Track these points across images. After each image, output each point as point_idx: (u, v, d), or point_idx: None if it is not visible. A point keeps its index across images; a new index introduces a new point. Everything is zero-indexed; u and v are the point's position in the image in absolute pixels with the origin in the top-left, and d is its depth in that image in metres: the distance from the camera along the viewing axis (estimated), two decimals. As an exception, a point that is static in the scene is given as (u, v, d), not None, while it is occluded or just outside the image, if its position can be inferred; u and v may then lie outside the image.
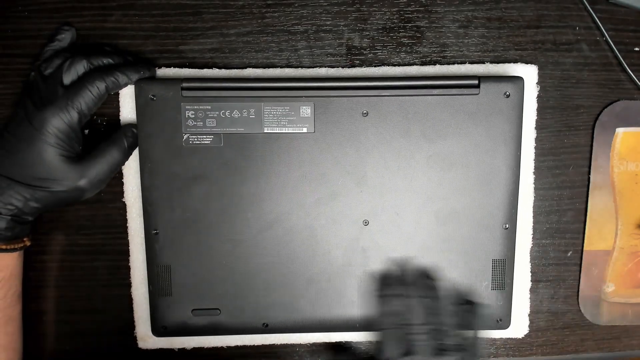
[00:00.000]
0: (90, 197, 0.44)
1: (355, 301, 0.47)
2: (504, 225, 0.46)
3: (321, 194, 0.45)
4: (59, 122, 0.40)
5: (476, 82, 0.44)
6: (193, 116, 0.44)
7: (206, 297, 0.46)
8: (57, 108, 0.40)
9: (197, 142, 0.44)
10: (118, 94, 0.46)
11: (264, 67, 0.47)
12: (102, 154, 0.43)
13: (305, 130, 0.44)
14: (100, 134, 0.47)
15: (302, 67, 0.48)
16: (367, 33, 0.48)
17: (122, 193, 0.48)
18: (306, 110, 0.44)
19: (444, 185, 0.45)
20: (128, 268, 0.49)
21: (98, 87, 0.41)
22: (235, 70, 0.47)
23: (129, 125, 0.45)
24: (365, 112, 0.44)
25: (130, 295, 0.49)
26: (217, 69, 0.47)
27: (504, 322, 0.47)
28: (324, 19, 0.47)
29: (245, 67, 0.47)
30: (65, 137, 0.41)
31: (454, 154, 0.45)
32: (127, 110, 0.46)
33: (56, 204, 0.43)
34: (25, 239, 0.44)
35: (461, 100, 0.44)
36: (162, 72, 0.47)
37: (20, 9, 0.47)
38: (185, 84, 0.44)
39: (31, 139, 0.40)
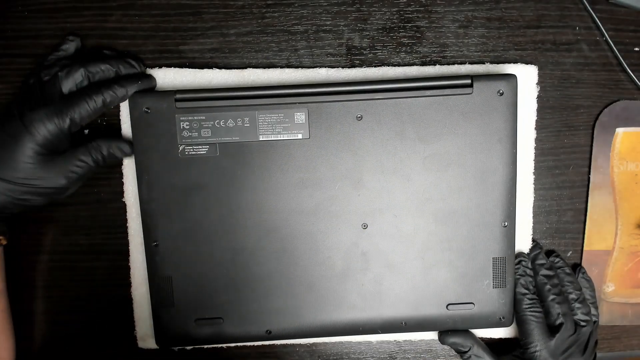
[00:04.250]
0: (70, 193, 0.44)
1: (357, 305, 0.47)
2: (503, 223, 0.46)
3: (319, 199, 0.45)
4: (49, 124, 0.41)
5: (469, 81, 0.44)
6: (188, 127, 0.44)
7: (209, 307, 0.46)
8: (51, 111, 0.41)
9: (193, 152, 0.44)
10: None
11: (264, 67, 0.47)
12: (79, 157, 0.43)
13: (300, 136, 0.44)
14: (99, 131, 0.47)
15: (302, 67, 0.48)
16: (367, 33, 0.48)
17: (122, 193, 0.48)
18: (300, 117, 0.44)
19: (441, 186, 0.45)
20: (128, 268, 0.49)
21: (95, 101, 0.42)
22: (235, 70, 0.47)
23: (103, 141, 0.44)
24: (359, 115, 0.44)
25: (130, 295, 0.49)
26: (217, 69, 0.47)
27: (506, 319, 0.47)
28: (324, 19, 0.47)
29: (245, 67, 0.47)
30: (52, 139, 0.41)
31: (449, 154, 0.45)
32: (127, 111, 0.46)
33: (35, 202, 0.43)
34: (1, 238, 0.43)
35: (455, 100, 0.44)
36: (163, 72, 0.47)
37: (20, 9, 0.47)
38: (178, 95, 0.44)
39: (18, 135, 0.40)
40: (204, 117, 0.44)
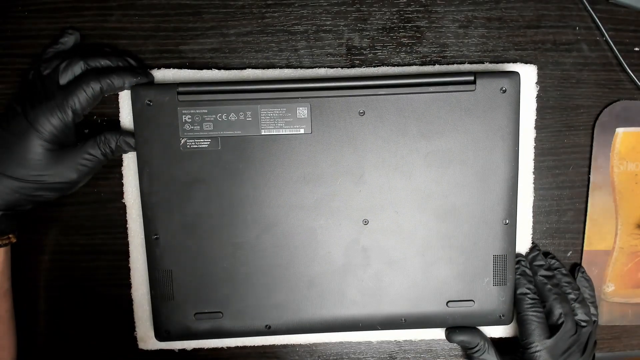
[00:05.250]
0: (78, 188, 0.45)
1: (357, 300, 0.47)
2: (503, 221, 0.46)
3: (320, 194, 0.45)
4: (53, 119, 0.41)
5: (472, 78, 0.44)
6: (190, 120, 0.44)
7: (208, 301, 0.46)
8: (53, 105, 0.41)
9: (194, 146, 0.44)
10: (117, 94, 0.46)
11: (264, 68, 0.47)
12: (90, 149, 0.43)
13: (302, 131, 0.44)
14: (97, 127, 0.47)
15: (302, 67, 0.48)
16: (367, 33, 0.48)
17: (122, 194, 0.48)
18: (303, 111, 0.44)
19: (443, 183, 0.45)
20: (128, 268, 0.49)
21: (93, 88, 0.42)
22: (235, 70, 0.47)
23: (111, 134, 0.44)
24: (361, 111, 0.44)
25: (131, 296, 0.49)
26: (217, 70, 0.47)
27: (506, 317, 0.47)
28: (324, 19, 0.47)
29: (245, 68, 0.47)
30: (59, 133, 0.41)
31: (451, 150, 0.45)
32: (127, 111, 0.46)
33: (47, 197, 0.43)
34: (11, 236, 0.44)
35: (458, 96, 0.44)
36: (162, 72, 0.47)
37: (20, 9, 0.47)
38: (181, 89, 0.44)
39: (25, 133, 0.41)
40: (206, 111, 0.44)
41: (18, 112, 0.41)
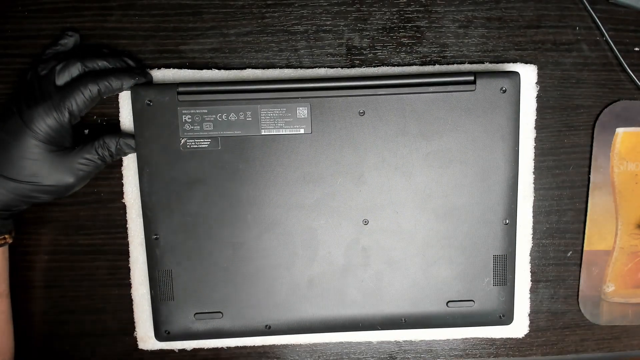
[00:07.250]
0: (76, 190, 0.44)
1: (357, 300, 0.47)
2: (504, 221, 0.46)
3: (320, 194, 0.45)
4: (49, 119, 0.41)
5: (472, 78, 0.44)
6: (190, 120, 0.44)
7: (208, 301, 0.46)
8: (49, 105, 0.41)
9: (194, 146, 0.44)
10: (117, 95, 0.46)
11: (264, 68, 0.47)
12: (87, 153, 0.43)
13: (302, 131, 0.44)
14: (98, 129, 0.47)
15: (302, 67, 0.48)
16: (367, 33, 0.48)
17: (122, 193, 0.48)
18: (303, 111, 0.44)
19: (443, 183, 0.45)
20: (128, 268, 0.49)
21: (90, 90, 0.42)
22: (235, 71, 0.47)
23: (110, 137, 0.44)
24: (362, 111, 0.44)
25: (131, 296, 0.49)
26: (217, 70, 0.47)
27: (506, 317, 0.47)
28: (324, 19, 0.47)
29: (245, 68, 0.47)
30: (54, 134, 0.41)
31: (451, 150, 0.45)
32: (127, 111, 0.46)
33: (43, 199, 0.43)
34: (6, 236, 0.43)
35: (458, 96, 0.44)
36: (162, 72, 0.47)
37: (20, 9, 0.47)
38: (181, 89, 0.44)
39: (20, 133, 0.40)
40: (206, 111, 0.44)
41: (13, 111, 0.41)
